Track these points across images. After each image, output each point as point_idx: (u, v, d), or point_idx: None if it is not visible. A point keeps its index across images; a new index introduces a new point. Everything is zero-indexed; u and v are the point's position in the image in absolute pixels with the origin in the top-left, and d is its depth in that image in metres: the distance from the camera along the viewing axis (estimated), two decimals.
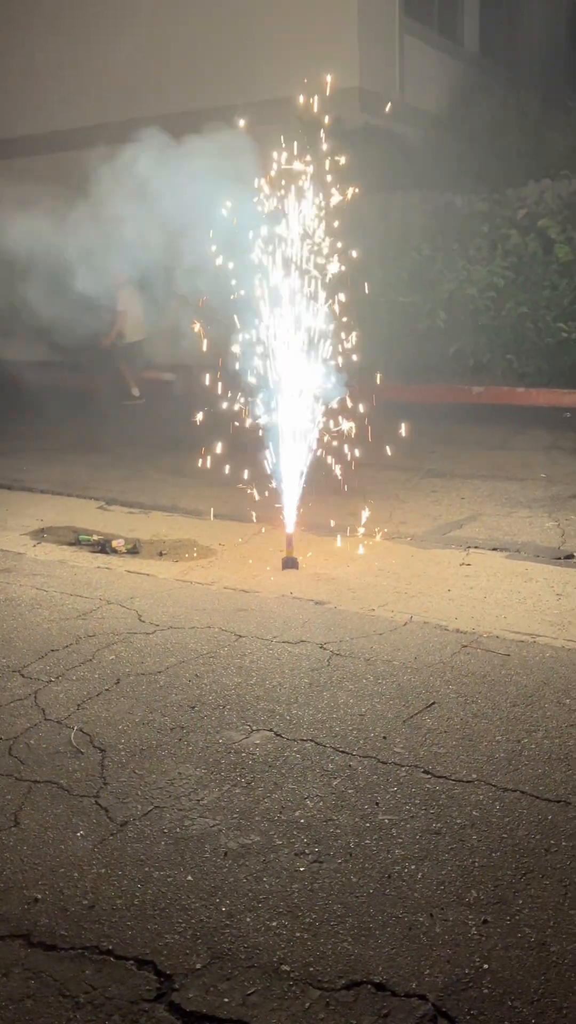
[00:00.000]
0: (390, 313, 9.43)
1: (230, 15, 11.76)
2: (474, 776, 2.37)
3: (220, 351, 4.27)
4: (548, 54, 15.23)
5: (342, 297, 4.18)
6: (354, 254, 4.24)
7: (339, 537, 4.60)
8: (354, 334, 4.25)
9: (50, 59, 13.01)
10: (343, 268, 4.16)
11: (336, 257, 4.15)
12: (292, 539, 4.22)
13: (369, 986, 1.70)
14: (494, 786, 2.33)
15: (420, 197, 9.86)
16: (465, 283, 9.28)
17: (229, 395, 4.27)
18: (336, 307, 4.17)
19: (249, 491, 4.57)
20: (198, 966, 1.76)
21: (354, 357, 4.30)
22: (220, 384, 4.27)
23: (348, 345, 4.27)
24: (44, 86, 13.05)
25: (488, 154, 10.61)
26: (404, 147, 11.66)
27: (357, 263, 4.37)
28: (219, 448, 4.38)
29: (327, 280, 4.12)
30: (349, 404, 4.30)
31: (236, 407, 4.25)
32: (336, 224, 4.11)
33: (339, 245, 4.16)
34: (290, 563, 4.15)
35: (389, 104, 10.43)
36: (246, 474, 4.48)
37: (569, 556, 4.23)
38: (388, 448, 4.66)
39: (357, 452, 4.43)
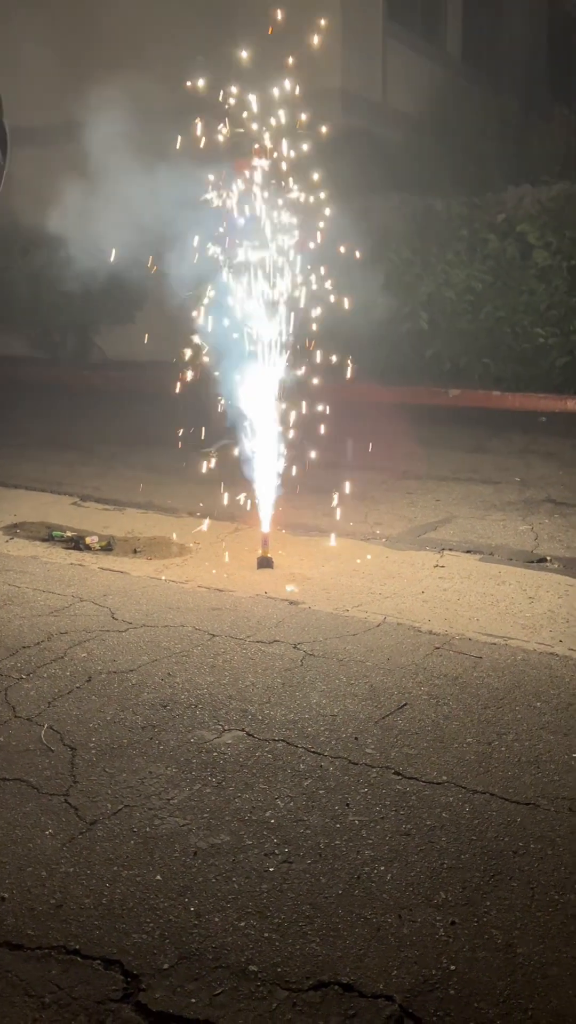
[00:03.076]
0: (368, 316, 9.46)
1: (209, 13, 11.73)
2: (444, 778, 2.38)
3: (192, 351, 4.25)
4: (529, 61, 15.35)
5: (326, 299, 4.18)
6: (341, 249, 4.24)
7: (314, 537, 4.61)
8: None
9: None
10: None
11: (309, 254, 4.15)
12: (267, 539, 4.22)
13: (336, 987, 1.70)
14: (464, 788, 2.34)
15: (400, 200, 9.89)
16: (443, 286, 9.33)
17: (203, 394, 4.27)
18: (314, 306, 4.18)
19: (225, 490, 4.56)
20: (165, 966, 1.75)
21: (333, 358, 4.30)
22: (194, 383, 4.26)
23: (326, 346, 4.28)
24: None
25: (468, 158, 10.67)
26: (385, 150, 11.70)
27: (338, 264, 4.39)
28: (195, 447, 4.37)
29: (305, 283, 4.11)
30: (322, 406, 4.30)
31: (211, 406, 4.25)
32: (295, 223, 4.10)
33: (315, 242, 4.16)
34: (265, 563, 4.15)
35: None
36: (222, 473, 4.48)
37: (542, 559, 4.26)
38: (365, 449, 4.67)
39: (333, 453, 4.44)
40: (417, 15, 14.48)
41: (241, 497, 4.45)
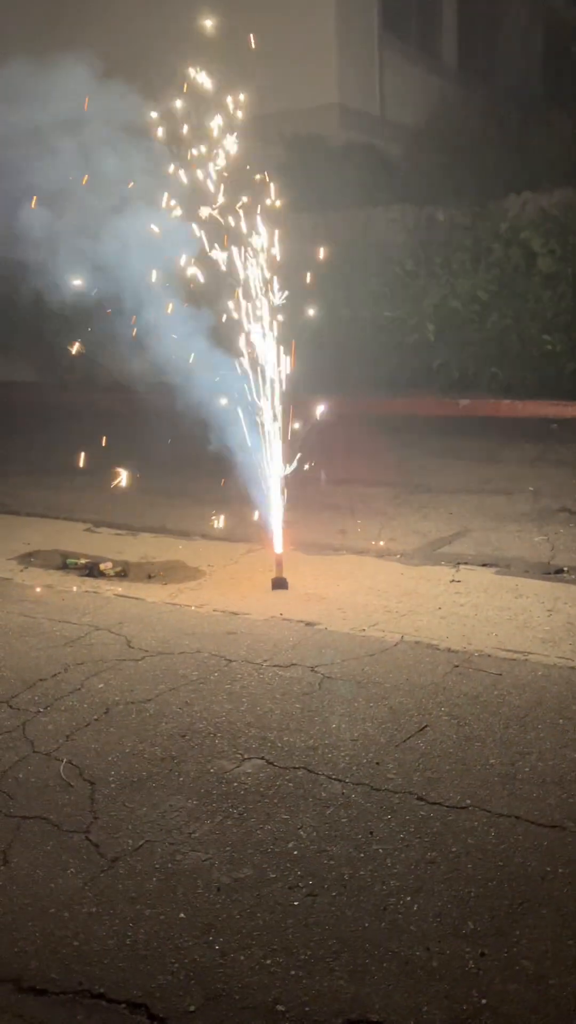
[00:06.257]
0: (375, 328, 9.46)
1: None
2: (468, 802, 2.35)
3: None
4: (526, 68, 15.38)
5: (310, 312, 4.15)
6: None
7: (328, 556, 4.58)
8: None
9: None
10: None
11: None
12: (281, 559, 4.20)
13: None
14: (489, 812, 2.30)
15: (402, 212, 9.91)
16: (449, 297, 9.32)
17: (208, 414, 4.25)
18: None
19: (236, 511, 4.55)
20: (192, 1008, 1.72)
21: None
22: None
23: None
24: None
25: (469, 168, 10.68)
26: (385, 162, 11.73)
27: (338, 279, 4.36)
28: (205, 468, 4.36)
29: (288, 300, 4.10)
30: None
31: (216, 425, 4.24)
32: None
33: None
34: (280, 583, 4.13)
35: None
36: (233, 494, 4.46)
37: (559, 571, 4.23)
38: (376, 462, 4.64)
39: (344, 468, 4.42)
40: (412, 26, 14.55)
41: (254, 518, 4.43)
